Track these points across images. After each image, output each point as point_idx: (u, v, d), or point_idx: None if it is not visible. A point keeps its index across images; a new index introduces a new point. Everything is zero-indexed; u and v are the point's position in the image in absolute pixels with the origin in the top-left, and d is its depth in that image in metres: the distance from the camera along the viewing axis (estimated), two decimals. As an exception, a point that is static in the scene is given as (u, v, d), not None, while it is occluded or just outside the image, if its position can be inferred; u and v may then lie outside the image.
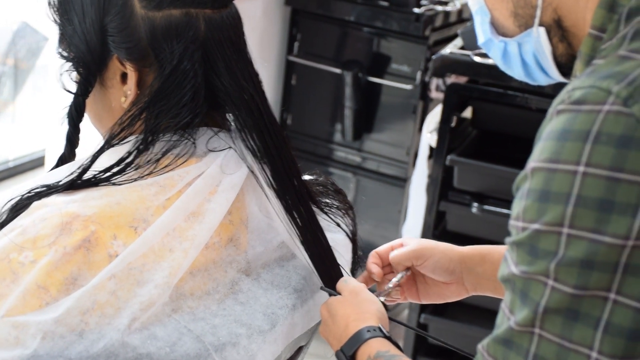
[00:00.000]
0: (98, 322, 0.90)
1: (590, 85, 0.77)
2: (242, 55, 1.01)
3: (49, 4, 1.03)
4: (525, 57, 0.94)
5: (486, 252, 1.19)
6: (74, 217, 0.93)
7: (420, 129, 2.69)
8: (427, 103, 2.75)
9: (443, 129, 2.35)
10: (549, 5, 0.89)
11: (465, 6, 2.85)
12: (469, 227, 2.40)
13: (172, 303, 0.95)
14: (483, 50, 2.44)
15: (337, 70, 2.78)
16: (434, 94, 2.63)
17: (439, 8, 2.74)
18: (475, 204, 2.33)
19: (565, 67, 0.93)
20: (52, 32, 2.26)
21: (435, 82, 2.58)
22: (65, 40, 1.02)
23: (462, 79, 2.36)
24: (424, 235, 2.43)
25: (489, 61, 2.26)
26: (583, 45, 0.86)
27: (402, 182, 2.79)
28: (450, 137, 2.36)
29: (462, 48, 2.35)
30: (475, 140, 2.49)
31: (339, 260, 1.10)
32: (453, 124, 2.35)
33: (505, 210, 2.30)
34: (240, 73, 1.00)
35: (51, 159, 2.14)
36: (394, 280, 1.17)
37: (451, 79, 2.37)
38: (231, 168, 1.02)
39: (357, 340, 1.00)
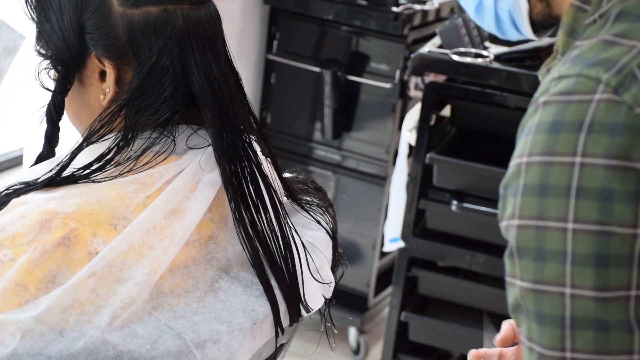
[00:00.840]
0: (78, 320, 0.90)
1: (577, 74, 0.75)
2: (217, 52, 1.01)
3: (26, 1, 1.02)
4: (500, 12, 0.92)
5: None
6: (53, 215, 0.92)
7: (399, 128, 2.70)
8: (406, 102, 2.76)
9: (422, 127, 2.36)
10: None
11: (443, 5, 2.86)
12: (448, 225, 2.41)
13: (152, 301, 0.95)
14: (461, 49, 2.45)
15: (316, 69, 2.78)
16: (413, 93, 2.64)
17: (417, 7, 2.75)
18: (455, 202, 2.34)
19: (538, 26, 0.91)
20: (29, 30, 2.24)
21: (414, 80, 2.59)
22: (42, 37, 1.01)
23: (441, 78, 2.37)
24: (404, 233, 2.44)
25: (467, 60, 2.28)
26: (565, 15, 0.83)
27: (381, 180, 2.79)
28: (429, 136, 2.36)
29: (441, 47, 2.36)
30: (454, 138, 2.50)
31: (319, 257, 1.11)
32: (432, 123, 2.36)
33: (484, 208, 2.32)
34: (211, 70, 1.00)
35: (30, 158, 2.13)
36: None
37: (430, 78, 2.38)
38: (210, 165, 1.01)
39: None
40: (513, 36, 0.94)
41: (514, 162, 0.77)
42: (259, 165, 1.03)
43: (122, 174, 0.97)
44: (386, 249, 2.67)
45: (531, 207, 0.74)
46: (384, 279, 2.91)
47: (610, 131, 0.72)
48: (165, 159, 0.99)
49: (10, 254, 0.91)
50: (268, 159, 1.10)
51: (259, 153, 1.06)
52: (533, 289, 0.74)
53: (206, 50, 1.00)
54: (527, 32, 0.92)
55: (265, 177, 1.04)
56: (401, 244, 2.46)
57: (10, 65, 2.51)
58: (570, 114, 0.74)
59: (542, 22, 0.90)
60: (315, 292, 1.09)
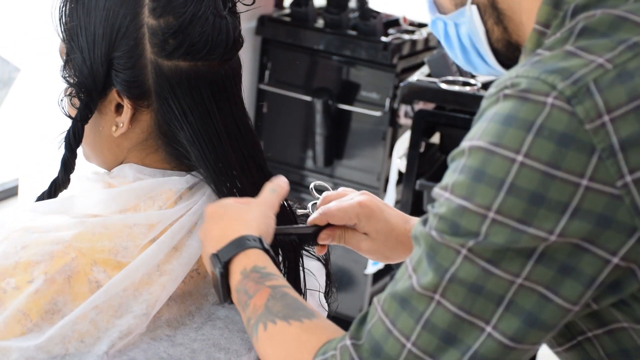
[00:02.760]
0: (77, 347, 0.92)
1: (535, 77, 0.76)
2: (235, 101, 1.03)
3: (60, 22, 1.02)
4: (463, 40, 0.93)
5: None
6: (55, 244, 0.95)
7: (390, 155, 2.73)
8: (396, 129, 2.79)
9: (412, 154, 2.39)
10: None
11: (431, 35, 2.91)
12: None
13: (150, 333, 0.97)
14: (449, 77, 2.48)
15: (308, 98, 2.82)
16: (403, 120, 2.68)
17: (406, 37, 2.80)
18: (445, 228, 2.36)
19: (503, 56, 0.91)
20: (24, 63, 2.26)
21: (403, 108, 2.63)
22: (70, 65, 1.02)
23: (430, 106, 2.41)
24: (395, 259, 2.46)
25: (456, 88, 2.32)
26: (528, 41, 0.85)
27: (372, 207, 2.82)
28: (419, 163, 2.40)
29: (429, 75, 2.40)
30: (444, 165, 2.53)
31: (314, 285, 1.13)
32: (422, 150, 2.39)
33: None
34: (227, 120, 1.03)
35: (25, 188, 2.15)
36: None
37: (419, 106, 2.42)
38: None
39: (236, 246, 0.92)
40: (482, 69, 0.95)
41: (464, 142, 0.79)
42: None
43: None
44: (368, 271, 2.68)
45: (462, 187, 0.77)
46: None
47: (558, 141, 0.74)
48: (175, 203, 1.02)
49: (12, 282, 0.93)
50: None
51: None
52: (436, 240, 0.78)
53: (226, 101, 1.02)
54: (492, 61, 0.92)
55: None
56: (381, 266, 2.48)
57: (5, 97, 2.54)
58: (524, 112, 0.75)
59: (505, 51, 0.91)
60: None
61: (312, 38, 2.81)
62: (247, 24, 2.84)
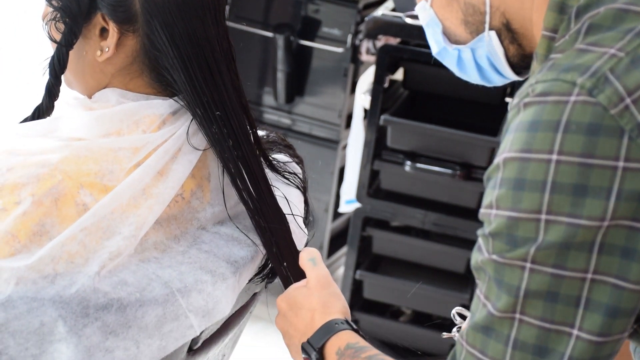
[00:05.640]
0: (67, 269, 0.92)
1: (553, 79, 0.80)
2: (219, 23, 1.04)
3: None
4: (479, 61, 0.97)
5: None
6: (41, 166, 0.95)
7: (351, 92, 2.74)
8: (357, 66, 2.79)
9: (376, 90, 2.40)
10: (496, 10, 0.93)
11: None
12: (402, 185, 2.47)
13: (138, 255, 0.98)
14: (414, 12, 2.48)
15: (269, 34, 2.80)
16: (365, 57, 2.68)
17: (369, -28, 2.78)
18: (408, 163, 2.39)
19: (517, 66, 0.96)
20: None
21: (365, 45, 2.62)
22: None
23: (394, 41, 2.41)
24: (359, 193, 2.49)
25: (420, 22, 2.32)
26: (539, 47, 0.89)
27: (334, 144, 2.83)
28: (383, 98, 2.41)
29: (394, 10, 2.40)
30: (407, 100, 2.55)
31: (294, 211, 1.15)
32: (386, 85, 2.40)
33: (437, 168, 2.38)
34: (209, 40, 1.03)
35: None
36: None
37: (382, 42, 2.42)
38: (194, 130, 1.05)
39: (326, 332, 0.99)
40: (498, 81, 0.99)
41: (496, 158, 0.83)
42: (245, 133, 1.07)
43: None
44: (341, 209, 2.71)
45: (507, 199, 0.80)
46: (336, 241, 2.96)
47: (587, 131, 0.77)
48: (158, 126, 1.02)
49: (0, 204, 0.93)
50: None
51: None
52: (497, 262, 0.81)
53: (214, 26, 1.02)
54: (509, 73, 0.97)
55: (249, 142, 1.07)
56: (357, 205, 2.51)
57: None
58: (547, 113, 0.79)
59: (520, 63, 0.95)
60: (299, 241, 1.14)
61: (274, -28, 2.78)
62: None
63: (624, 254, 0.78)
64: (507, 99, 2.49)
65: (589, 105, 0.77)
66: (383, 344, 2.45)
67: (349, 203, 2.63)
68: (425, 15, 0.99)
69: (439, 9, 0.97)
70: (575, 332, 0.79)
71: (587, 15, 0.84)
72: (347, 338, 0.98)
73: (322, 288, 1.04)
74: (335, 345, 0.98)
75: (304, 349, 1.00)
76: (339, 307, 1.02)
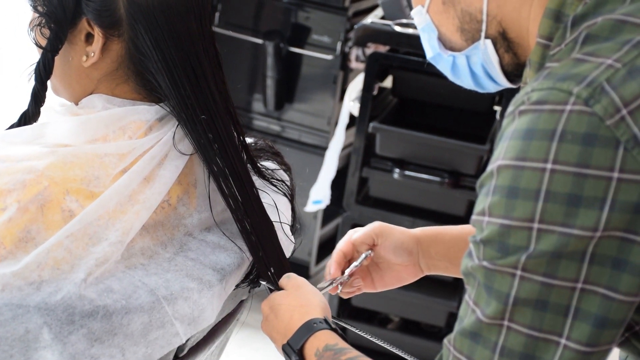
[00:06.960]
0: (52, 275, 0.92)
1: (549, 87, 0.79)
2: (204, 30, 1.04)
3: None
4: (474, 68, 0.97)
5: (437, 232, 1.21)
6: (27, 172, 0.94)
7: (340, 99, 2.74)
8: (347, 73, 2.80)
9: (365, 97, 2.41)
10: (493, 19, 0.92)
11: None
12: (390, 193, 2.47)
13: (125, 261, 0.98)
14: (403, 20, 2.49)
15: (259, 41, 2.81)
16: (354, 64, 2.69)
17: (358, -21, 2.79)
18: (397, 170, 2.40)
19: (511, 74, 0.96)
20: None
21: (354, 52, 2.63)
22: None
23: (383, 49, 2.42)
24: (347, 201, 2.49)
25: (409, 31, 2.33)
26: (533, 54, 0.88)
27: (322, 151, 2.84)
28: (372, 106, 2.41)
29: (383, 18, 2.41)
30: (396, 108, 2.56)
31: (281, 218, 1.15)
32: (375, 93, 2.41)
33: (425, 176, 2.38)
34: (195, 50, 1.03)
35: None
36: (359, 260, 1.18)
37: (371, 49, 2.43)
38: (180, 136, 1.05)
39: (304, 332, 0.99)
40: (491, 88, 0.99)
41: (490, 165, 0.82)
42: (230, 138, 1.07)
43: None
44: (307, 209, 2.70)
45: (500, 207, 0.79)
46: (325, 248, 2.97)
47: (582, 141, 0.76)
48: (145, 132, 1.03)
49: None
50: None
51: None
52: (487, 269, 0.80)
53: (198, 31, 1.03)
54: (502, 81, 0.97)
55: (236, 148, 1.07)
56: (322, 205, 2.51)
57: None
58: (543, 122, 0.78)
59: (514, 72, 0.95)
60: (286, 249, 1.14)
61: (264, -21, 2.78)
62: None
63: (615, 265, 0.77)
64: (496, 107, 2.50)
65: (584, 115, 0.77)
66: (371, 352, 2.45)
67: (315, 203, 2.63)
68: (421, 20, 0.98)
69: (435, 14, 0.97)
70: (563, 341, 0.78)
71: (584, 25, 0.83)
72: (325, 339, 0.98)
73: (298, 287, 1.05)
74: (313, 346, 0.98)
75: (284, 351, 1.00)
76: (316, 302, 1.03)
